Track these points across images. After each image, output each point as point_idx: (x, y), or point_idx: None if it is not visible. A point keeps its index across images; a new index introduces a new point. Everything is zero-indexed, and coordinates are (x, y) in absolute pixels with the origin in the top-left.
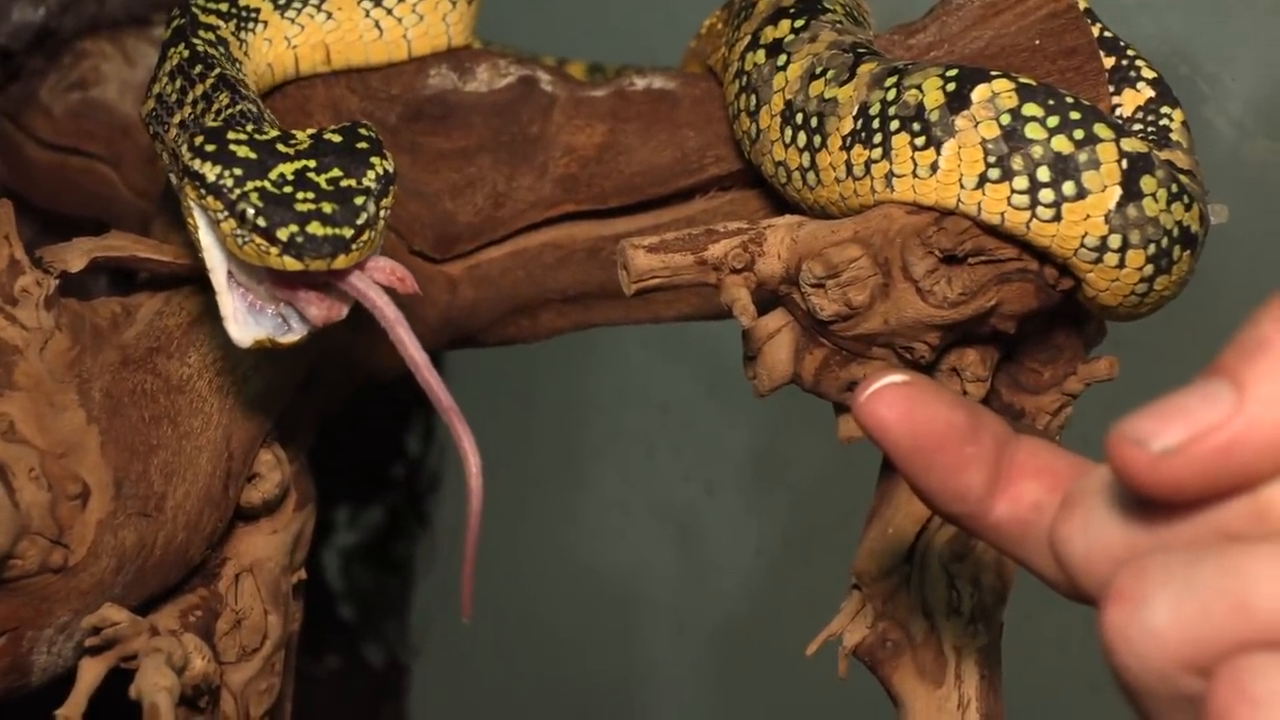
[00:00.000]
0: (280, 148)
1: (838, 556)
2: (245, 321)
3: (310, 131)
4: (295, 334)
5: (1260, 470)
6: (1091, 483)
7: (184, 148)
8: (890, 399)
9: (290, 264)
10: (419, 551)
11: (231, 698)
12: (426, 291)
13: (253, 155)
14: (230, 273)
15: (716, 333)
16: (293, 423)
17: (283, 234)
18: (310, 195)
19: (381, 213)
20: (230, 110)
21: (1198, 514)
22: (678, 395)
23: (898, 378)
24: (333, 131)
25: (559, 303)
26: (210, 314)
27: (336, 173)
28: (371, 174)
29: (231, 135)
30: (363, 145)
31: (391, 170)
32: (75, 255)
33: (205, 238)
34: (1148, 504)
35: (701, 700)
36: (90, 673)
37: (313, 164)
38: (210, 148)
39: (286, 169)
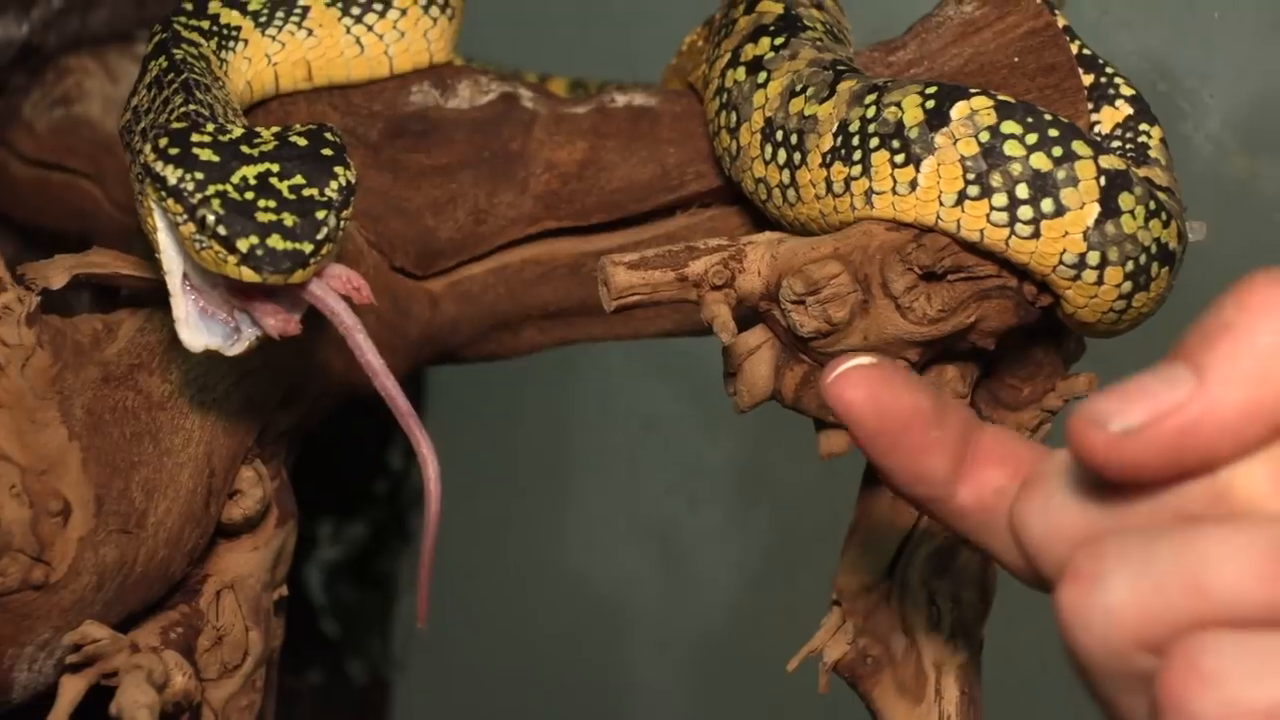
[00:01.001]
0: (243, 149)
1: (818, 571)
2: (197, 327)
3: (275, 130)
4: (243, 344)
5: (1219, 452)
6: (1051, 465)
7: (147, 148)
8: (856, 380)
9: (248, 275)
10: (401, 567)
11: (213, 714)
12: (408, 308)
13: (215, 158)
14: (186, 275)
15: (698, 348)
16: (274, 439)
17: (243, 245)
18: (272, 204)
19: (341, 224)
20: (182, 110)
21: (1155, 496)
22: (660, 411)
23: (865, 360)
24: (298, 134)
25: (540, 319)
26: None
27: (299, 180)
28: (334, 184)
29: (195, 137)
30: (327, 151)
31: (354, 180)
32: (57, 272)
33: (163, 239)
34: (1106, 486)
35: (683, 714)
36: (71, 690)
37: (275, 168)
38: (173, 150)
39: (249, 171)
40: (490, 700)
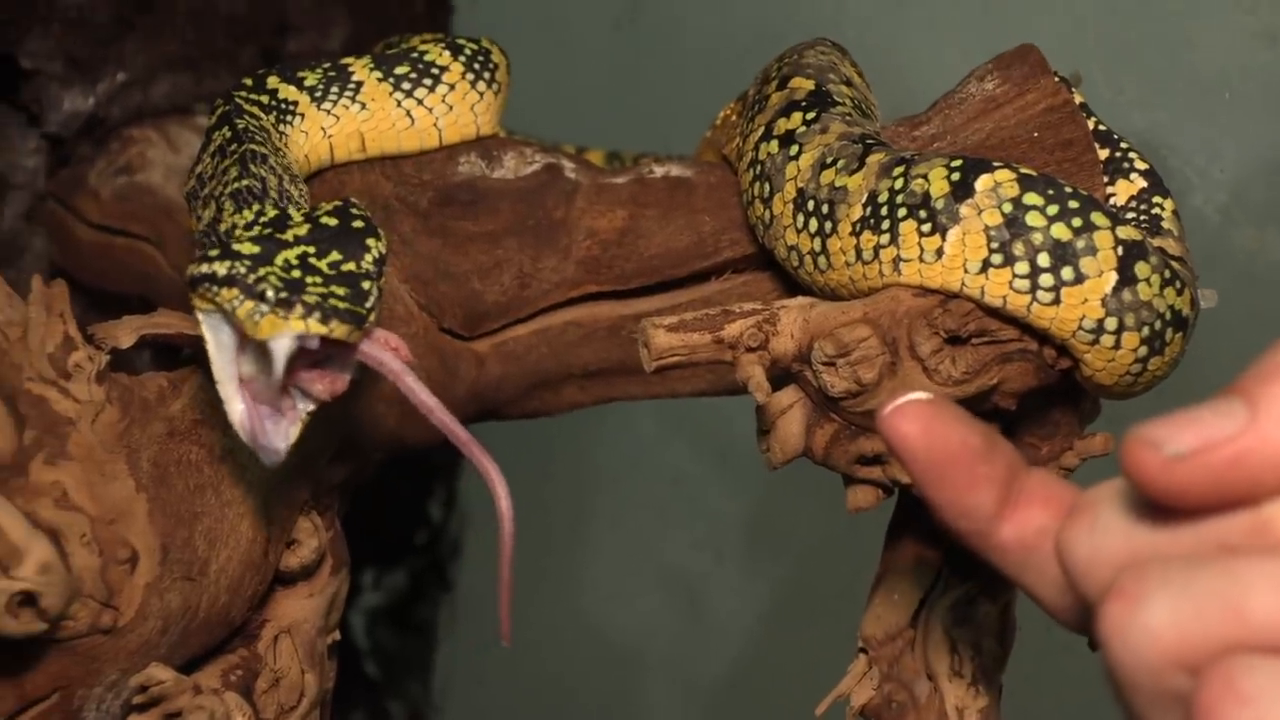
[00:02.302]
0: (279, 237)
1: (835, 621)
2: (270, 435)
3: (303, 213)
4: (297, 427)
5: (1264, 485)
6: (1100, 493)
7: (190, 266)
8: (912, 414)
9: (314, 327)
10: (441, 614)
11: None
12: (455, 367)
13: (257, 249)
14: (240, 379)
15: (724, 409)
16: (329, 491)
17: (309, 298)
18: (318, 280)
19: (380, 290)
20: (236, 184)
21: (1199, 525)
22: (686, 467)
23: (921, 395)
24: (327, 214)
25: (580, 378)
26: None
27: (336, 256)
28: (369, 256)
29: (234, 242)
30: (357, 224)
31: (385, 251)
32: (125, 332)
33: (213, 350)
34: (1151, 514)
35: None
36: None
37: (312, 250)
38: (215, 252)
39: (289, 255)
40: None
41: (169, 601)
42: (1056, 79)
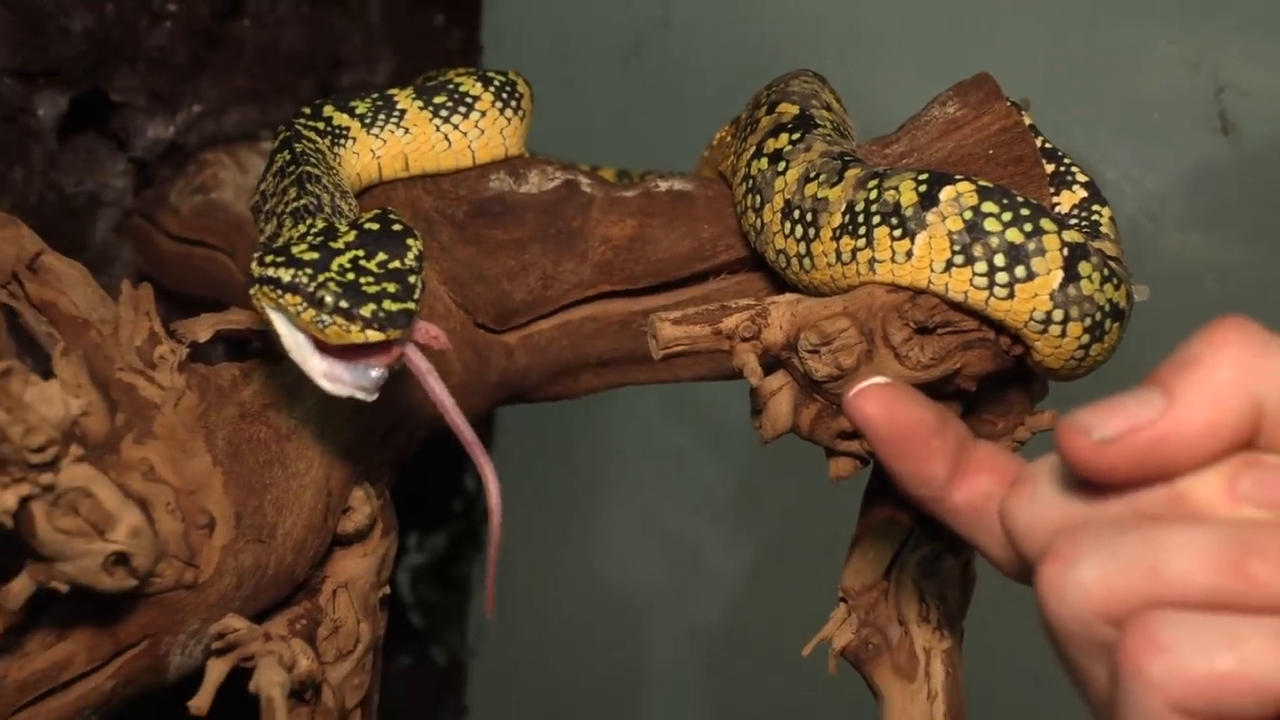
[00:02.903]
0: (331, 245)
1: (816, 575)
2: (338, 377)
3: (348, 222)
4: (375, 388)
5: (1180, 463)
6: (1038, 467)
7: (253, 263)
8: (875, 396)
9: (373, 336)
10: (474, 571)
11: (331, 691)
12: (488, 358)
13: (315, 255)
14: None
15: (721, 392)
16: (379, 465)
17: (365, 311)
18: (371, 279)
19: (424, 283)
20: (295, 204)
21: (1124, 497)
22: (686, 445)
23: (881, 380)
24: (369, 221)
25: (596, 366)
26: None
27: (383, 256)
28: (411, 254)
29: (295, 246)
30: (396, 228)
31: (422, 249)
32: (203, 327)
33: (282, 328)
34: (1083, 487)
35: (704, 692)
36: (216, 671)
37: (361, 253)
38: (279, 259)
39: (343, 260)
40: (545, 679)
41: (242, 561)
42: (1008, 103)
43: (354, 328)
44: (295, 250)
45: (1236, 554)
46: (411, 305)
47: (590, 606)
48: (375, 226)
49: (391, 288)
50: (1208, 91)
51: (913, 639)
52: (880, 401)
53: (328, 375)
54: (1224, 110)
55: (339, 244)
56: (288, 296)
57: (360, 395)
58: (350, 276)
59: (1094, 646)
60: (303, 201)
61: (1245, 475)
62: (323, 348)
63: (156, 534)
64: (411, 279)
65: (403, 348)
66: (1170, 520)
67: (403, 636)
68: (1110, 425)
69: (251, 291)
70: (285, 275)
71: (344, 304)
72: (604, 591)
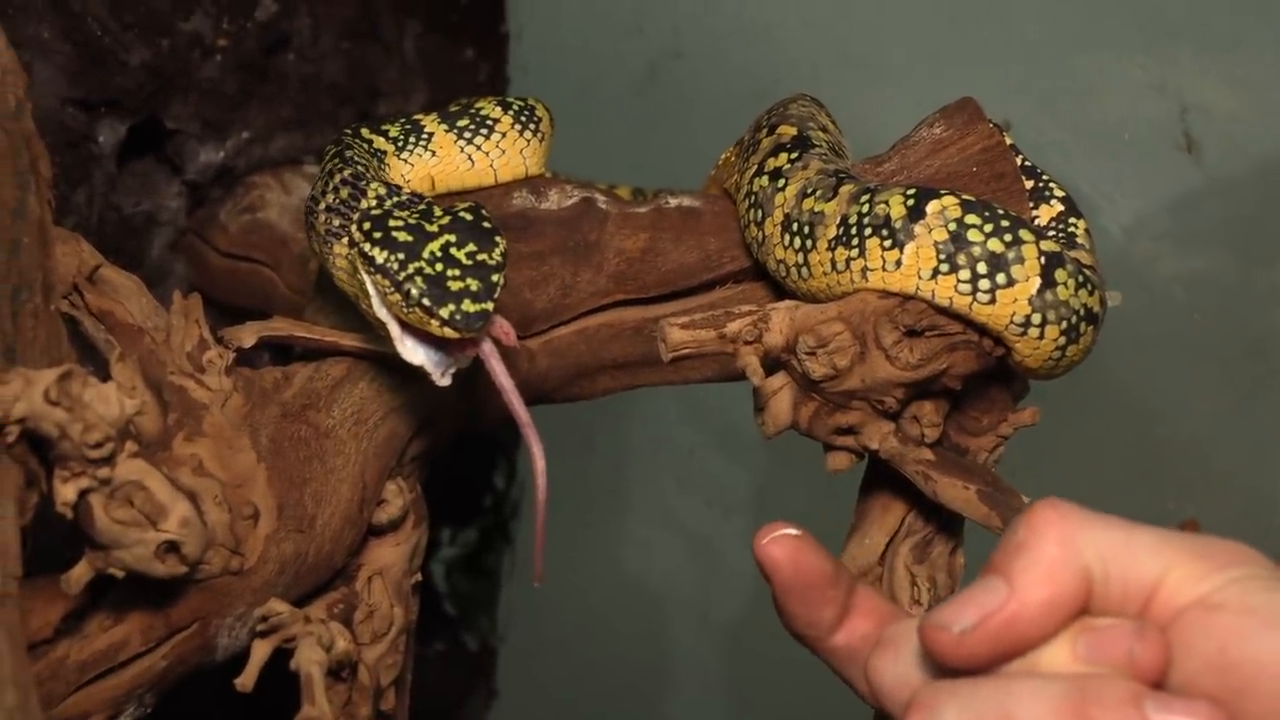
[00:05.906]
0: (427, 226)
1: None
2: (414, 349)
3: (444, 207)
4: (449, 375)
5: (1030, 638)
6: (900, 630)
7: (354, 230)
8: (783, 544)
9: (450, 334)
10: (504, 563)
11: (366, 671)
12: (512, 362)
13: (410, 238)
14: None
15: (728, 392)
16: (411, 460)
17: (444, 312)
18: (457, 272)
19: (504, 280)
20: (342, 173)
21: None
22: (700, 442)
23: (792, 531)
24: (463, 210)
25: (612, 369)
26: (350, 378)
27: (472, 247)
28: (497, 251)
29: (392, 222)
30: (486, 224)
31: (506, 247)
32: (248, 334)
33: (375, 301)
34: None
35: (720, 677)
36: (260, 651)
37: (453, 238)
38: (377, 234)
39: (434, 245)
40: (571, 664)
41: (284, 549)
42: (991, 125)
43: (434, 323)
44: (392, 225)
45: (1079, 700)
46: (489, 306)
47: (610, 594)
48: (469, 217)
49: (474, 285)
50: (1173, 113)
51: None
52: (788, 550)
53: (408, 347)
54: (1188, 130)
55: (434, 227)
56: (378, 277)
57: (433, 376)
58: (439, 268)
59: None
60: (347, 171)
61: (1081, 639)
62: (405, 323)
63: (205, 524)
64: (494, 277)
65: (478, 347)
66: (1023, 674)
67: (437, 624)
68: (966, 616)
69: (348, 253)
70: (379, 256)
71: (427, 301)
72: (624, 580)
